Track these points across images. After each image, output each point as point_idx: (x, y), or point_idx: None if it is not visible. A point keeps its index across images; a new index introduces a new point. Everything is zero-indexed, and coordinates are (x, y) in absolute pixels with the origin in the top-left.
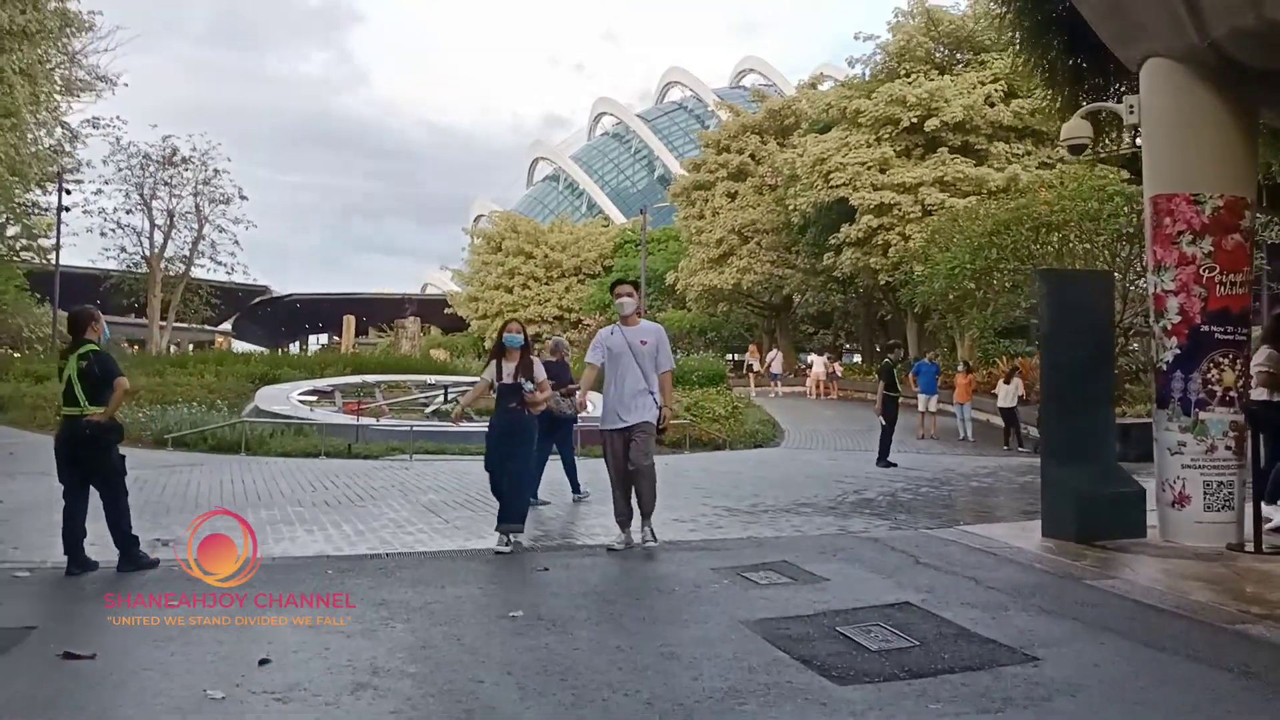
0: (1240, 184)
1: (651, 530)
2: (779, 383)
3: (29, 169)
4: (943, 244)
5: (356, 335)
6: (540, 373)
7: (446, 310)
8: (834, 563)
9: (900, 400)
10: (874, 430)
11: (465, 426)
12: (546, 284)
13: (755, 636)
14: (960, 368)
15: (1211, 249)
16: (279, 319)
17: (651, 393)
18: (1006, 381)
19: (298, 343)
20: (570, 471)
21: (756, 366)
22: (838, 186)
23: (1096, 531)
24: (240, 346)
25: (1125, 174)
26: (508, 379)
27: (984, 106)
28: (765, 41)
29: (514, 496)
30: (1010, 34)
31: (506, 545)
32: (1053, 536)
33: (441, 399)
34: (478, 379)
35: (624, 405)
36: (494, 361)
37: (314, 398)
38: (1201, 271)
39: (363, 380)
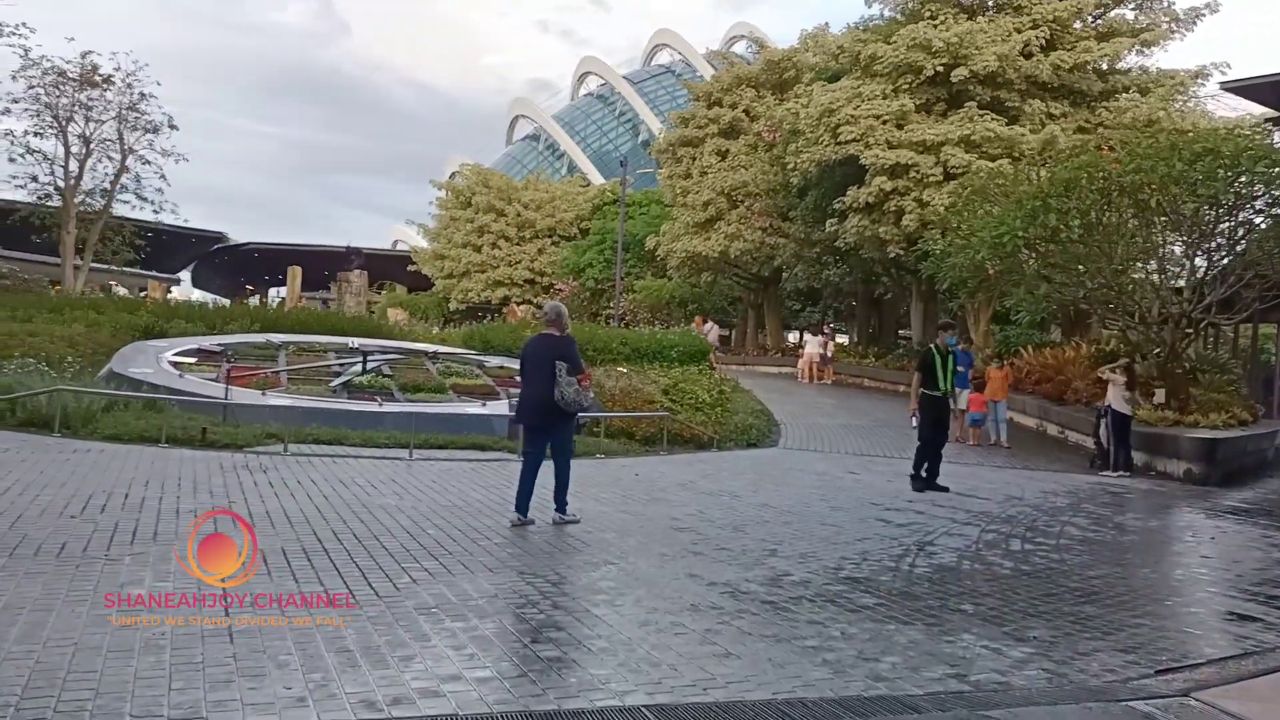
0: None
1: None
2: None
3: None
4: (978, 208)
5: (317, 289)
6: None
7: (410, 268)
8: None
9: (948, 401)
10: (885, 427)
11: (371, 407)
12: (518, 244)
13: None
14: (995, 361)
15: None
16: (237, 268)
17: None
18: (1130, 385)
19: (258, 295)
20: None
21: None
22: (847, 143)
23: None
24: (197, 296)
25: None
26: None
27: (1019, 58)
28: (754, 15)
29: None
30: None
31: None
32: None
33: (359, 369)
34: (421, 345)
35: None
36: None
37: (193, 360)
38: None
39: (267, 340)
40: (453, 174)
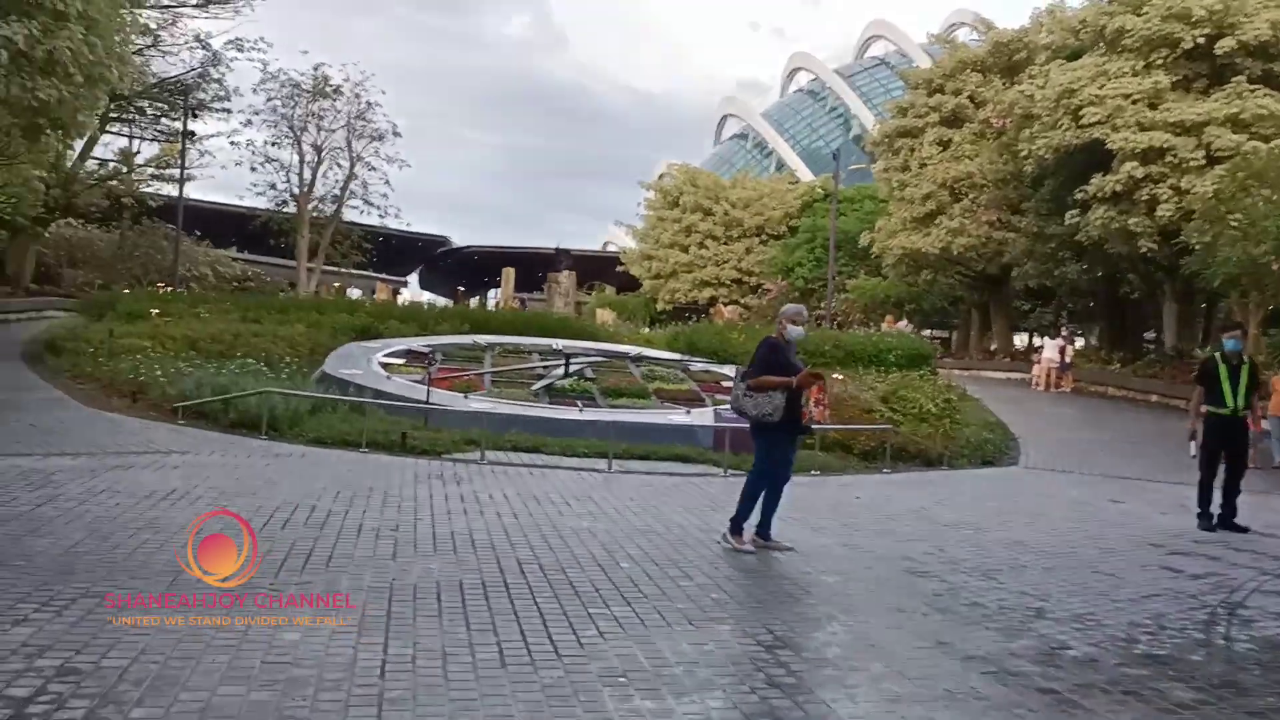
0: None
1: None
2: None
3: (107, 72)
4: (1256, 195)
5: (530, 290)
6: None
7: (619, 268)
8: None
9: (1239, 421)
10: (1143, 444)
11: (572, 413)
12: (725, 244)
13: None
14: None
15: None
16: (460, 271)
17: None
18: None
19: (478, 296)
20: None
21: None
22: (1090, 125)
23: None
24: (425, 298)
25: None
26: None
27: None
28: (977, 3)
29: None
30: None
31: None
32: None
33: (561, 372)
34: (624, 348)
35: None
36: None
37: (402, 360)
38: None
39: (474, 341)
40: (661, 174)
